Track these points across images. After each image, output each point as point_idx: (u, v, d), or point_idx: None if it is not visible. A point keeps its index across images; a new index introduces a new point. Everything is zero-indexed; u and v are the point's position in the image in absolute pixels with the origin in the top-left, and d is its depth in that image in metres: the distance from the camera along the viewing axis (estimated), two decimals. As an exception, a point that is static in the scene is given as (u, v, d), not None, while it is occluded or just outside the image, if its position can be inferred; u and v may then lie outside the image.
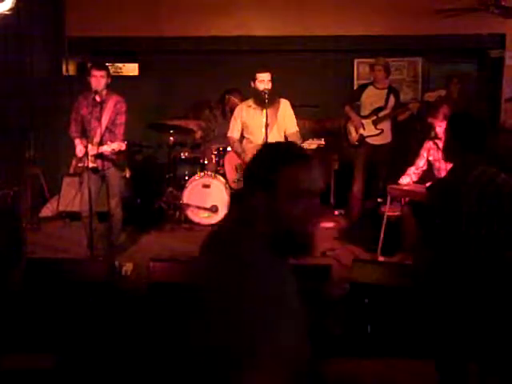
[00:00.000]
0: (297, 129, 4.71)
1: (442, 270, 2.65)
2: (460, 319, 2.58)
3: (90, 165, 4.71)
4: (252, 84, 4.60)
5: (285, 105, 4.70)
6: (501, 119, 7.03)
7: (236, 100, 6.60)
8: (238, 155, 4.73)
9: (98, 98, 4.76)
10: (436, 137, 4.90)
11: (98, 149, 4.74)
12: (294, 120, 4.71)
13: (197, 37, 7.19)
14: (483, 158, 2.65)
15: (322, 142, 4.52)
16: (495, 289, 2.53)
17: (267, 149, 1.63)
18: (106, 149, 4.71)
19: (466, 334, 2.58)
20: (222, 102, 6.80)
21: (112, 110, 4.83)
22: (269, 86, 4.52)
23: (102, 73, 4.77)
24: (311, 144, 4.53)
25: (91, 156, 4.72)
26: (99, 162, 4.80)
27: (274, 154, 1.56)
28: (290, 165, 1.51)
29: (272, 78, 4.57)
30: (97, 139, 4.80)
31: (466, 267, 2.56)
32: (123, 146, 4.74)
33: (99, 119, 4.76)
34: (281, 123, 4.65)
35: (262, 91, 4.49)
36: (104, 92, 4.81)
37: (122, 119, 4.88)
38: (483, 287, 2.53)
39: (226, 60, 7.44)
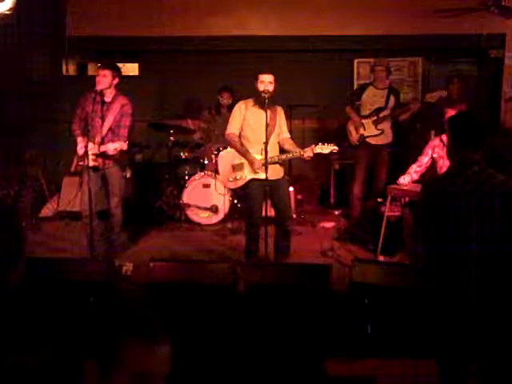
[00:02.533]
0: (289, 135, 4.86)
1: (439, 268, 2.64)
2: (459, 319, 2.58)
3: (91, 163, 4.68)
4: (255, 84, 4.63)
5: (281, 112, 4.81)
6: (501, 119, 7.03)
7: (225, 98, 6.61)
8: (243, 154, 4.68)
9: (99, 98, 4.73)
10: (444, 127, 4.89)
11: (99, 148, 4.72)
12: (286, 127, 4.88)
13: (197, 37, 7.19)
14: (482, 157, 2.65)
15: (336, 147, 4.61)
16: (493, 287, 2.53)
17: None
18: (108, 147, 4.68)
19: (467, 334, 2.57)
20: (217, 103, 6.80)
21: (118, 111, 4.79)
22: (269, 88, 4.52)
23: (105, 72, 4.73)
24: (323, 148, 4.60)
25: (92, 155, 4.69)
26: (100, 160, 4.77)
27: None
28: None
29: (275, 81, 4.60)
30: (98, 138, 4.77)
31: (462, 266, 2.56)
32: (125, 146, 4.71)
33: (102, 118, 4.74)
34: (278, 129, 4.74)
35: (262, 92, 4.50)
36: (109, 92, 4.78)
37: (126, 121, 4.84)
38: (481, 286, 2.53)
39: (225, 60, 7.43)
